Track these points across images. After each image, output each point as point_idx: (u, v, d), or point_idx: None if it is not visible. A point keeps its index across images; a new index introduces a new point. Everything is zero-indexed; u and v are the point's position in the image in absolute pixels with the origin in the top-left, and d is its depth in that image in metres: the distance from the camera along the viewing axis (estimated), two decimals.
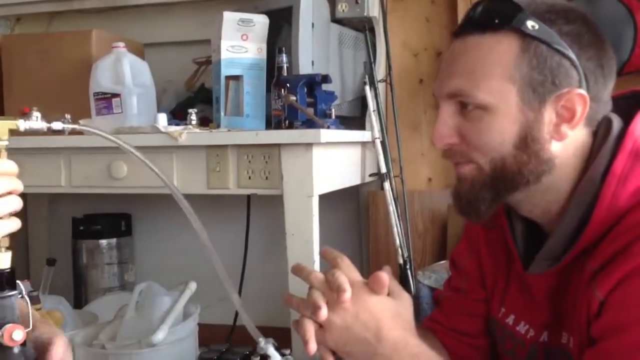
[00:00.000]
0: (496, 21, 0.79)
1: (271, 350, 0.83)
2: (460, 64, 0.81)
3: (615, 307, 0.73)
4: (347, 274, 0.81)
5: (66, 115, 0.79)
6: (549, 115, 0.79)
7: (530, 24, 0.77)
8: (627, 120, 0.82)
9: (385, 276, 0.81)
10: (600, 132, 0.82)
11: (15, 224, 0.74)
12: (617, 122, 0.82)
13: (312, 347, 0.78)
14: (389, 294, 0.82)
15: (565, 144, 0.80)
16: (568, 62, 0.78)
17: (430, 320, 1.04)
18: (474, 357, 0.99)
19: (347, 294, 0.78)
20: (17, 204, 0.73)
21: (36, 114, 0.76)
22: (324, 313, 0.78)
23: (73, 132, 0.81)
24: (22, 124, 0.75)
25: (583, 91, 0.78)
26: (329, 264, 0.85)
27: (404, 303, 0.83)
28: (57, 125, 0.78)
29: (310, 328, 0.79)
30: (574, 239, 0.79)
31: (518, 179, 0.80)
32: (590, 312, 0.76)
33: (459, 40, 0.83)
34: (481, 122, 0.80)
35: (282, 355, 1.55)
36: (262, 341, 0.84)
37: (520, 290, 0.90)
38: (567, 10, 0.80)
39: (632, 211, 0.75)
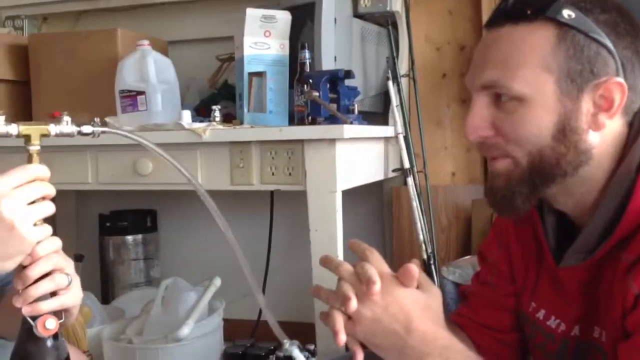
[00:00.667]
0: (530, 11, 0.78)
1: (296, 352, 0.83)
2: (494, 55, 0.80)
3: None
4: (377, 266, 0.81)
5: (95, 119, 0.81)
6: (586, 105, 0.78)
7: (566, 13, 0.76)
8: None
9: (415, 268, 0.80)
10: (636, 122, 0.81)
11: (48, 230, 0.74)
12: None
13: (342, 338, 0.78)
14: (418, 287, 0.81)
15: (603, 134, 0.79)
16: (605, 51, 0.77)
17: (457, 315, 1.03)
18: (503, 352, 0.98)
19: (377, 286, 0.77)
20: (50, 209, 0.74)
21: (66, 119, 0.78)
22: (353, 304, 0.78)
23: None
24: (53, 129, 0.77)
25: (621, 79, 0.77)
26: (357, 257, 0.84)
27: (434, 296, 0.82)
28: (86, 128, 0.79)
29: (339, 319, 0.79)
30: (608, 232, 0.78)
31: (556, 170, 0.79)
32: (626, 305, 0.75)
33: (492, 32, 0.81)
34: (517, 113, 0.78)
35: (307, 352, 1.55)
36: (286, 342, 0.84)
37: (551, 285, 0.89)
38: None
39: None
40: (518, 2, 0.79)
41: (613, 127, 0.80)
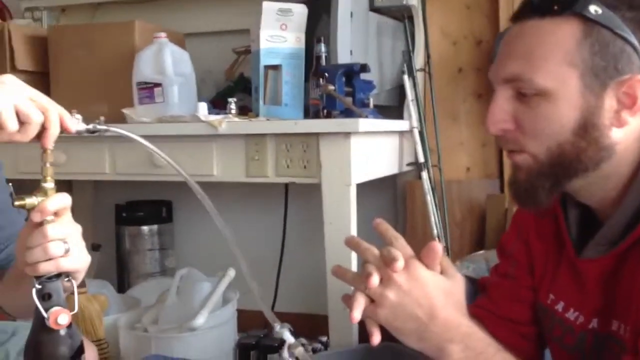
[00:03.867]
0: (557, 5, 0.78)
1: (287, 335, 0.85)
2: (518, 48, 0.80)
3: None
4: (402, 251, 0.81)
5: (100, 118, 0.84)
6: (609, 101, 0.78)
7: (593, 8, 0.76)
8: None
9: (438, 246, 0.80)
10: None
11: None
12: None
13: (356, 315, 0.78)
14: (442, 273, 0.81)
15: (626, 131, 0.79)
16: (630, 48, 0.76)
17: (475, 307, 1.01)
18: (521, 344, 0.97)
19: (400, 264, 0.78)
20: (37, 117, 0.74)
21: (77, 116, 0.80)
22: (374, 280, 0.78)
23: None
24: None
25: None
26: (382, 239, 0.85)
27: (457, 283, 0.82)
28: (79, 126, 0.81)
29: (360, 299, 0.79)
30: (632, 225, 0.78)
31: (576, 165, 0.79)
32: None
33: (517, 25, 0.81)
34: (539, 108, 0.78)
35: (320, 344, 1.55)
36: (277, 326, 0.86)
37: (570, 277, 0.89)
38: None
39: None
40: None
41: (636, 123, 0.79)
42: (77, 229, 0.80)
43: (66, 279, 0.77)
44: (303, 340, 0.88)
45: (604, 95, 0.77)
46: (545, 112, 0.78)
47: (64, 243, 0.76)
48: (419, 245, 0.77)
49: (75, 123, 0.79)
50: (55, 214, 0.76)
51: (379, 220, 0.87)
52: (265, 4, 1.60)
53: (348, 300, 0.80)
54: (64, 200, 0.77)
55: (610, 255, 0.81)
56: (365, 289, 0.79)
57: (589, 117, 0.77)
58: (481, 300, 1.03)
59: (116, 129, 0.85)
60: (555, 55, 0.77)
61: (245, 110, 1.72)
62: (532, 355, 0.99)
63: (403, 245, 0.83)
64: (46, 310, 0.73)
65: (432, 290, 0.79)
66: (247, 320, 1.93)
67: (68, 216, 0.78)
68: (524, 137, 0.81)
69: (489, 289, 1.03)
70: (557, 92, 0.77)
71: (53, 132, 0.75)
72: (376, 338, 0.80)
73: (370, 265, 0.80)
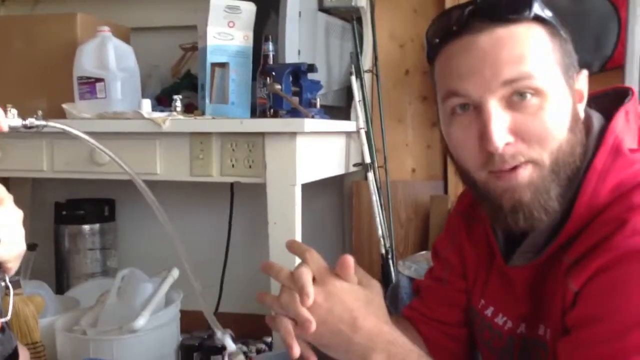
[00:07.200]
0: (517, 12, 0.77)
1: (228, 342, 0.85)
2: (507, 53, 0.76)
3: (588, 298, 0.74)
4: (316, 267, 0.82)
5: (38, 112, 0.80)
6: (574, 96, 0.81)
7: (546, 12, 0.79)
8: (607, 117, 0.83)
9: (350, 258, 0.82)
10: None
11: None
12: (597, 119, 0.83)
13: (296, 350, 0.79)
14: (358, 283, 0.83)
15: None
16: (571, 46, 0.81)
17: (409, 309, 1.05)
18: (451, 346, 1.00)
19: (310, 301, 0.79)
20: None
21: (13, 111, 0.76)
22: (313, 327, 0.79)
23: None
24: None
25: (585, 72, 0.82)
26: (298, 256, 0.85)
27: (374, 290, 0.84)
28: (14, 121, 0.77)
29: (289, 329, 0.80)
30: (555, 233, 0.80)
31: (570, 160, 0.78)
32: (565, 303, 0.77)
33: (483, 35, 0.77)
34: (540, 112, 0.76)
35: (265, 345, 1.54)
36: (219, 332, 0.86)
37: (500, 283, 0.91)
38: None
39: (610, 207, 0.76)
40: (499, 5, 0.78)
41: None
42: (16, 216, 0.76)
43: (2, 283, 0.73)
44: (244, 348, 0.88)
45: (574, 91, 0.81)
46: (546, 114, 0.76)
47: None
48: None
49: (10, 119, 0.76)
50: None
51: (288, 241, 0.88)
52: (213, 1, 1.58)
53: (272, 323, 0.82)
54: None
55: (535, 263, 0.83)
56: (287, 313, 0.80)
57: (574, 112, 0.80)
58: (415, 302, 1.06)
59: (56, 124, 0.83)
60: (542, 56, 0.78)
61: (191, 108, 1.69)
62: (462, 355, 1.01)
63: (316, 259, 0.83)
64: None
65: (352, 303, 0.80)
66: (191, 321, 1.90)
67: (6, 204, 0.74)
68: (527, 146, 0.77)
69: (423, 292, 1.05)
70: (552, 91, 0.77)
71: None
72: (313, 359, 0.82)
73: (286, 294, 0.80)
